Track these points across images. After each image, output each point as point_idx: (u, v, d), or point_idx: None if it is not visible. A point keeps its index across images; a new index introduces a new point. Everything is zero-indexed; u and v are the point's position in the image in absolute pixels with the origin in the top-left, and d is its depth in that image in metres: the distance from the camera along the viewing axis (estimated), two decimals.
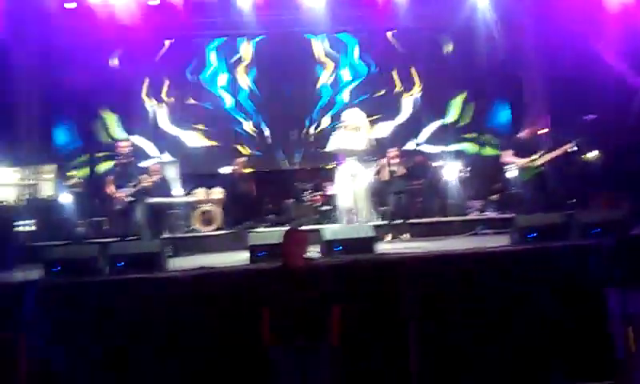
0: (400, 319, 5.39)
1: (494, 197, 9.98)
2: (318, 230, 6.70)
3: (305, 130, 12.06)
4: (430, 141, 12.15)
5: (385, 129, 11.92)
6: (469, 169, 10.66)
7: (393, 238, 8.40)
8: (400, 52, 12.36)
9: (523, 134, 7.68)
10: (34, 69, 10.92)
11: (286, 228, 5.57)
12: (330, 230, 6.63)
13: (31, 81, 10.97)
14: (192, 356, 5.26)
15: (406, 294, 5.48)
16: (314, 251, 6.22)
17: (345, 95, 12.31)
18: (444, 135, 12.13)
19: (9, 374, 4.90)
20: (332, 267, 5.41)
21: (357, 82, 12.32)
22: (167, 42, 12.07)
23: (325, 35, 12.26)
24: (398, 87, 12.29)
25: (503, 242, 6.65)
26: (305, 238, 4.65)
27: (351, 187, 7.44)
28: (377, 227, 7.11)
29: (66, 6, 10.73)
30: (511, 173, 7.99)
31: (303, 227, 6.76)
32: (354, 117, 7.55)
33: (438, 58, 12.34)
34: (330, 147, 7.61)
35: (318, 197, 10.23)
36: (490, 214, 9.70)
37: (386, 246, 7.32)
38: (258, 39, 12.21)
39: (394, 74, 12.28)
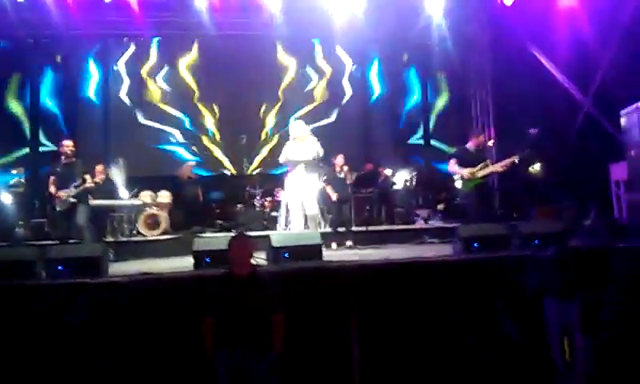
0: (343, 326, 5.44)
1: (441, 206, 10.19)
2: (266, 236, 6.66)
3: (257, 135, 12.03)
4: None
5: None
6: (416, 177, 10.84)
7: (338, 245, 8.45)
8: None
9: (468, 144, 7.86)
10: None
11: (233, 234, 5.52)
12: (278, 237, 6.60)
13: None
14: (133, 364, 5.14)
15: (349, 301, 5.53)
16: (261, 258, 6.21)
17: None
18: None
19: None
20: (278, 274, 5.39)
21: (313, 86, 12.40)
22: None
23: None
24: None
25: (447, 251, 6.79)
26: (251, 245, 4.62)
27: (300, 195, 7.77)
28: (324, 235, 7.14)
29: None
30: (457, 183, 8.16)
31: (251, 233, 6.72)
32: (299, 129, 8.13)
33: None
34: (281, 159, 8.21)
35: (268, 202, 10.19)
36: (436, 223, 9.88)
37: (332, 254, 7.35)
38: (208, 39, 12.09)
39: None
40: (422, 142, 12.69)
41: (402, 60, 12.59)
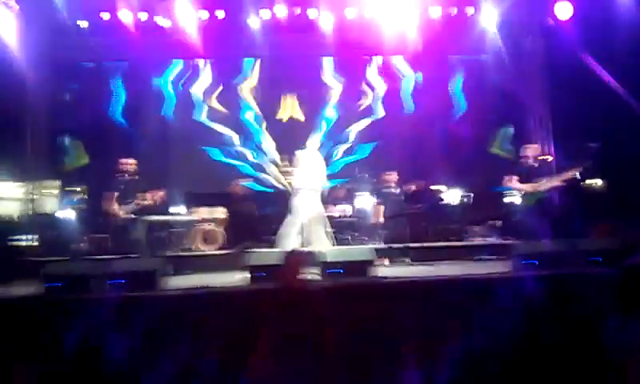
0: (395, 342, 5.37)
1: (496, 222, 9.95)
2: (319, 252, 6.68)
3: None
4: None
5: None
6: (470, 194, 10.65)
7: (391, 261, 8.39)
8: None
9: (523, 159, 7.68)
10: (43, 83, 11.02)
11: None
12: (329, 253, 6.61)
13: (39, 95, 11.06)
14: (190, 376, 5.22)
15: (401, 317, 5.47)
16: (313, 273, 6.23)
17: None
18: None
19: None
20: (331, 289, 5.39)
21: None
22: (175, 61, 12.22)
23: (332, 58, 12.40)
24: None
25: (503, 268, 6.62)
26: (304, 260, 4.66)
27: (301, 217, 8.06)
28: (376, 251, 7.10)
29: (78, 22, 10.84)
30: (514, 199, 7.98)
31: (304, 248, 6.77)
32: (309, 156, 8.32)
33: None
34: (294, 184, 8.45)
35: None
36: (492, 239, 9.66)
37: (385, 270, 7.29)
38: (261, 59, 12.35)
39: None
40: (473, 158, 12.45)
41: (453, 75, 12.44)
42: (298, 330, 4.29)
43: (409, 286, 5.91)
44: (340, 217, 10.17)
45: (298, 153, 8.39)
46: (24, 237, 9.60)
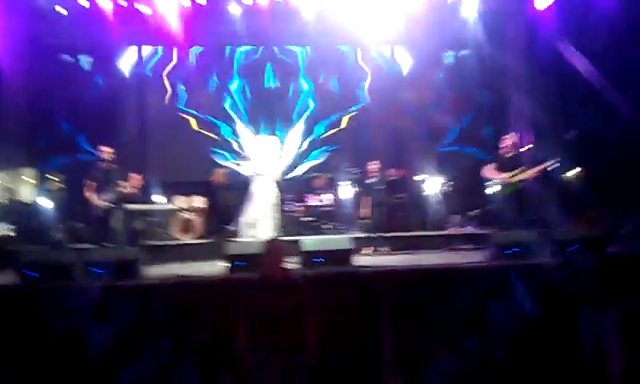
0: (374, 330, 5.43)
1: (473, 212, 10.07)
2: (297, 241, 6.70)
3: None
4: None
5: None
6: (451, 183, 10.74)
7: (374, 251, 8.44)
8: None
9: (502, 149, 7.76)
10: (22, 71, 10.80)
11: (262, 239, 5.57)
12: (309, 242, 6.63)
13: (17, 82, 10.83)
14: (166, 366, 5.22)
15: (380, 306, 5.53)
16: (293, 262, 6.25)
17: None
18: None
19: None
20: (310, 278, 5.41)
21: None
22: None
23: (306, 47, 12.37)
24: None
25: (479, 257, 6.72)
26: (284, 249, 4.66)
27: (258, 203, 7.94)
28: (356, 240, 7.14)
29: (57, 8, 10.63)
30: (492, 188, 8.06)
31: (283, 238, 6.76)
32: (270, 143, 8.14)
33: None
34: (248, 172, 8.25)
35: (299, 208, 10.23)
36: (469, 229, 9.78)
37: (365, 259, 7.34)
38: (244, 49, 12.26)
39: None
40: (454, 148, 12.53)
41: (433, 63, 12.48)
42: (279, 320, 4.30)
43: (389, 275, 5.97)
44: (320, 206, 10.21)
45: (257, 139, 8.19)
46: (1, 225, 9.44)
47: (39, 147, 11.11)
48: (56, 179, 10.60)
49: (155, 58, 12.21)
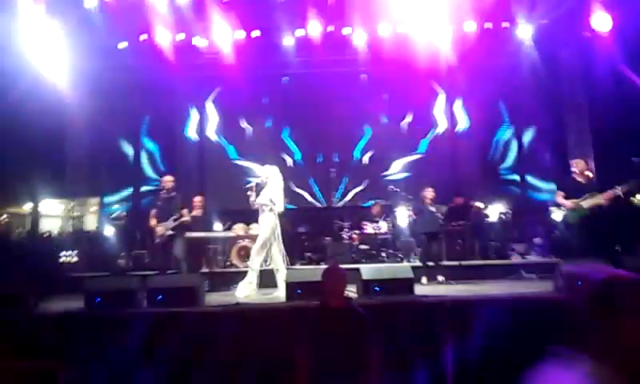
0: (439, 361, 5.27)
1: (538, 240, 9.73)
2: (356, 269, 6.62)
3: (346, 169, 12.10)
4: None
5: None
6: (511, 210, 10.46)
7: (428, 280, 8.26)
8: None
9: (573, 175, 7.50)
10: (82, 102, 11.25)
11: (324, 266, 5.53)
12: (368, 270, 6.54)
13: (78, 114, 11.27)
14: None
15: (445, 336, 5.36)
16: (351, 291, 6.18)
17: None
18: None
19: None
20: (371, 307, 5.32)
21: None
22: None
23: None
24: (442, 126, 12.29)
25: (546, 287, 6.45)
26: (344, 277, 4.59)
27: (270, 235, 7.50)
28: (415, 269, 7.01)
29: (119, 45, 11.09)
30: (557, 215, 7.78)
31: (341, 266, 6.70)
32: (269, 172, 7.70)
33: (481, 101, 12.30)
34: (259, 200, 7.64)
35: (356, 235, 10.17)
36: (534, 257, 9.44)
37: (424, 289, 7.19)
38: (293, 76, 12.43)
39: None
40: (514, 175, 12.23)
41: (489, 90, 12.28)
42: (337, 349, 4.21)
43: (451, 305, 5.81)
44: (376, 234, 10.11)
45: (267, 169, 7.81)
46: (65, 253, 9.80)
47: (103, 178, 11.53)
48: (119, 208, 10.94)
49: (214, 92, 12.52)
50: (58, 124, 11.14)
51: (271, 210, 7.48)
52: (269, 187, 7.60)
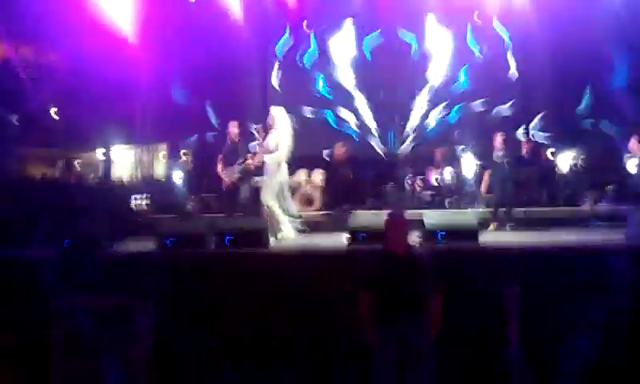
0: (500, 312, 5.22)
1: (610, 188, 9.29)
2: (418, 216, 6.58)
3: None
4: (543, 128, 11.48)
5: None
6: (583, 157, 10.01)
7: (496, 227, 8.11)
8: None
9: None
10: (151, 52, 11.45)
11: (386, 212, 5.52)
12: (431, 217, 6.49)
13: (147, 63, 11.48)
14: (292, 334, 5.38)
15: (508, 287, 5.29)
16: (414, 237, 6.16)
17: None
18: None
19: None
20: (434, 254, 5.30)
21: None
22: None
23: None
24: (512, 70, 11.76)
25: (617, 236, 6.22)
26: (407, 224, 4.58)
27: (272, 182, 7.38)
28: (481, 216, 6.90)
29: None
30: (632, 163, 7.41)
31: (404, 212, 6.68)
32: (275, 114, 7.50)
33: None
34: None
35: (419, 182, 10.05)
36: (605, 206, 9.06)
37: (490, 236, 7.06)
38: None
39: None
40: (588, 123, 11.61)
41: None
42: (399, 293, 4.24)
43: (514, 254, 5.71)
44: (439, 180, 9.96)
45: (272, 110, 7.60)
46: (136, 197, 10.20)
47: (171, 124, 11.80)
48: (187, 154, 11.22)
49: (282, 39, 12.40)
50: (128, 73, 11.39)
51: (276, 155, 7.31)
52: (275, 131, 7.43)
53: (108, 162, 12.16)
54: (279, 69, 12.20)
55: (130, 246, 6.87)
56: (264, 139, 7.53)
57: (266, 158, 7.40)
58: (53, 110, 11.62)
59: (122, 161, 12.65)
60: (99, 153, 12.23)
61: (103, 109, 10.92)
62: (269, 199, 7.25)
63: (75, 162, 11.24)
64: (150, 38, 11.32)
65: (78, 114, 11.22)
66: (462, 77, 11.74)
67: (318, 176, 9.90)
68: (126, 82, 11.15)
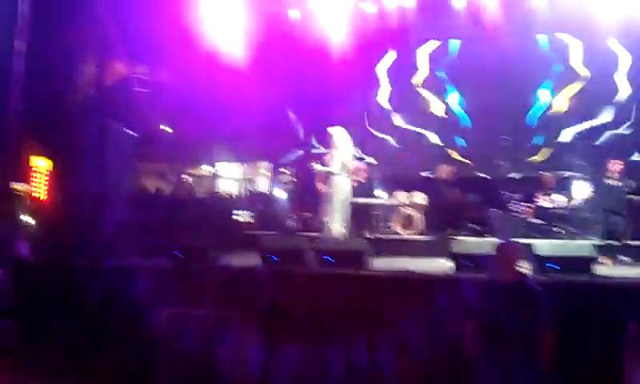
0: (616, 349, 4.84)
1: None
2: (527, 244, 6.26)
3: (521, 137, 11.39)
4: None
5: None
6: None
7: (609, 259, 7.56)
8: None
9: None
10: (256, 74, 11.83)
11: (489, 238, 5.31)
12: (542, 246, 6.16)
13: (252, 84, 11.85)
14: (391, 357, 5.28)
15: (627, 326, 4.90)
16: (524, 266, 5.88)
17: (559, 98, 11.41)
18: None
19: None
20: (547, 286, 5.01)
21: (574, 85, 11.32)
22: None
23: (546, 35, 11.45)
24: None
25: None
26: (519, 251, 4.38)
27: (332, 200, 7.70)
28: (596, 247, 6.44)
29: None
30: None
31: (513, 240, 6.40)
32: (335, 135, 7.88)
33: None
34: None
35: (528, 208, 9.58)
36: None
37: (605, 269, 6.58)
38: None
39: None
40: None
41: None
42: (508, 325, 4.04)
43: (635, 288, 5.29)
44: (549, 207, 9.45)
45: (332, 131, 7.95)
46: (240, 211, 10.56)
47: (274, 142, 12.13)
48: (288, 172, 11.47)
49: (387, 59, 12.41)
50: (235, 93, 11.84)
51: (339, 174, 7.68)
52: (335, 151, 7.82)
53: (215, 177, 12.70)
54: (389, 87, 12.21)
55: (235, 259, 7.07)
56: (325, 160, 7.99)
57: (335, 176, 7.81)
58: (165, 127, 12.29)
59: (228, 176, 13.17)
60: (207, 168, 12.82)
61: (211, 126, 11.43)
62: (328, 216, 7.68)
63: (185, 177, 11.81)
64: (255, 60, 11.71)
65: (189, 131, 11.79)
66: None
67: (420, 197, 9.73)
68: (233, 101, 11.60)
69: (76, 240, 7.18)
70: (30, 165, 8.16)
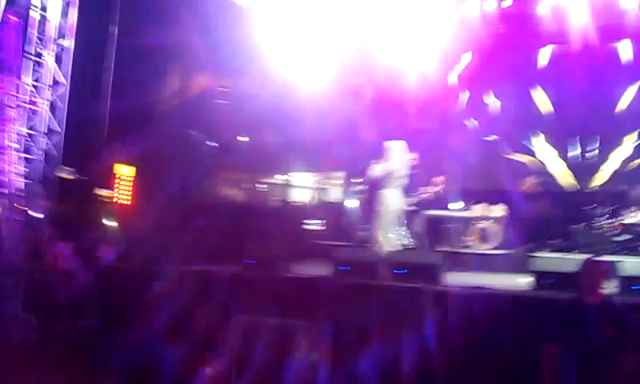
0: None
1: None
2: (613, 263, 5.88)
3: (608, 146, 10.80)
4: None
5: None
6: None
7: None
8: None
9: None
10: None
11: (573, 255, 5.03)
12: (630, 265, 5.78)
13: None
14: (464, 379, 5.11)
15: None
16: (609, 286, 5.53)
17: None
18: None
19: None
20: (632, 308, 4.68)
21: None
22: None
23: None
24: None
25: None
26: (607, 271, 4.12)
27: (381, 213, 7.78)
28: None
29: None
30: None
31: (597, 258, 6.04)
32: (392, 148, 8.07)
33: None
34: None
35: (615, 224, 9.03)
36: None
37: None
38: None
39: None
40: None
41: None
42: (591, 350, 3.80)
43: None
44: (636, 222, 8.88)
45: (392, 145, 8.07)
46: (312, 221, 10.59)
47: (345, 153, 12.12)
48: (359, 182, 11.41)
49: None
50: (304, 111, 11.95)
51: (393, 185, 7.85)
52: (385, 162, 8.08)
53: (288, 186, 12.84)
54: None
55: (306, 268, 7.08)
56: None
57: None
58: (243, 137, 12.58)
59: (301, 186, 13.28)
60: (281, 177, 12.99)
61: (287, 137, 11.57)
62: (377, 226, 7.84)
63: (259, 186, 12.00)
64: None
65: (266, 141, 12.00)
66: None
67: (498, 210, 9.40)
68: (303, 117, 11.72)
69: (159, 245, 7.44)
70: (115, 172, 8.54)
